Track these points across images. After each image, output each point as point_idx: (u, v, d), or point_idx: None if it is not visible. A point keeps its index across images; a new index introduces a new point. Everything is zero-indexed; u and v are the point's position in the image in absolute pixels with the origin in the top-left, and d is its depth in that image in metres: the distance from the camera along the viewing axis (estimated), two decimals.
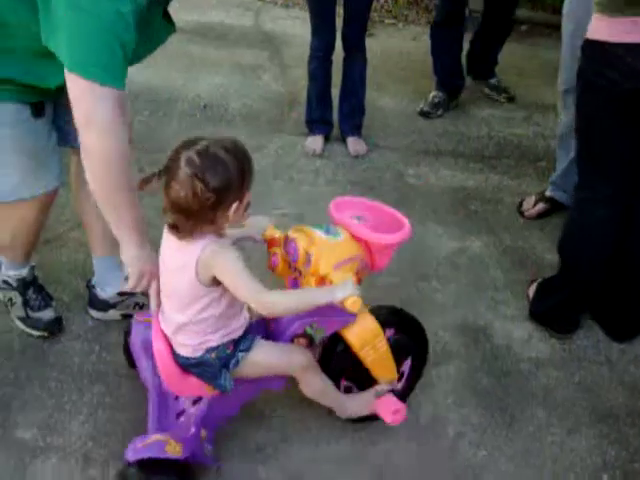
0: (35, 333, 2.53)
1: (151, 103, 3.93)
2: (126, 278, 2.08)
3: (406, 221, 2.09)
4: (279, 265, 2.08)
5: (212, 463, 2.11)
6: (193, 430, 2.06)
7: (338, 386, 2.20)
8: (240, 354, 2.00)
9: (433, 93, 4.19)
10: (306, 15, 3.74)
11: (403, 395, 2.33)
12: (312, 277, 2.00)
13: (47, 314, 2.55)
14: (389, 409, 2.17)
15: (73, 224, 2.91)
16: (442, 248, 3.11)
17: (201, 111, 3.91)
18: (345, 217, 2.11)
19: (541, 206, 3.33)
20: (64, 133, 2.29)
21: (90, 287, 2.63)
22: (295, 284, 2.07)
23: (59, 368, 2.40)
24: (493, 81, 4.42)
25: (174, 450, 1.98)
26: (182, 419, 2.11)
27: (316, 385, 2.13)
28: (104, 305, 2.60)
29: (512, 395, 2.45)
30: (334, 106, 3.74)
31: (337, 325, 2.07)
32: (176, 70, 4.29)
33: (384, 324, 2.15)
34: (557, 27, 3.15)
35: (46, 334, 2.53)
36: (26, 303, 2.55)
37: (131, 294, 2.56)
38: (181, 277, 1.86)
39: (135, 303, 2.61)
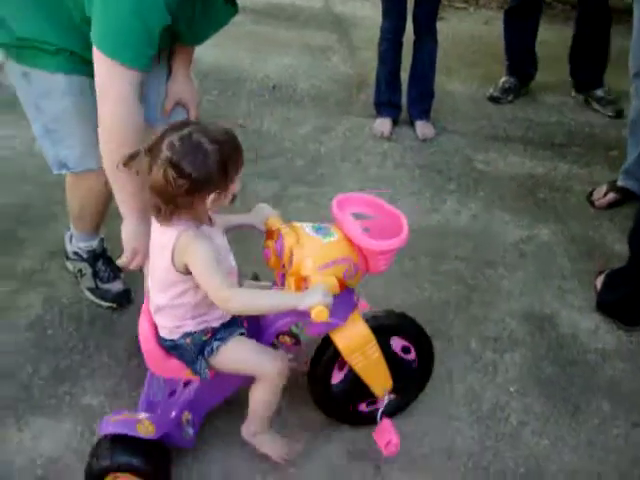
0: (104, 304, 2.59)
1: (220, 82, 3.96)
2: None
3: (405, 226, 1.96)
4: (271, 259, 2.02)
5: (191, 446, 2.11)
6: (174, 413, 2.07)
7: (349, 408, 2.19)
8: (216, 343, 1.97)
9: (504, 78, 4.12)
10: None
11: (422, 376, 2.28)
12: (292, 277, 1.93)
13: (116, 286, 2.61)
14: (384, 440, 2.09)
15: None
16: (509, 235, 3.07)
17: (270, 91, 3.93)
18: (345, 215, 2.01)
19: (612, 196, 3.26)
20: None
21: None
22: (283, 279, 2.01)
23: (127, 338, 2.45)
24: (599, 92, 4.07)
25: (146, 430, 1.97)
26: (174, 398, 2.12)
27: (269, 396, 2.03)
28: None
29: (577, 385, 2.42)
30: (403, 89, 3.72)
31: (320, 328, 2.00)
32: (245, 50, 4.31)
33: (379, 330, 2.08)
34: (631, 13, 3.08)
35: (115, 305, 2.59)
36: (96, 274, 2.61)
37: None
38: (161, 259, 1.85)
39: None
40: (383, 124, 3.66)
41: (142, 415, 2.03)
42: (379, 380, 2.12)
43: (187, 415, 2.10)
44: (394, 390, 2.16)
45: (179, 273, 1.84)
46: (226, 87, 3.93)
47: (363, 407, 2.22)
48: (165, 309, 1.94)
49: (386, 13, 3.53)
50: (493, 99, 4.09)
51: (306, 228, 1.98)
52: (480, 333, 2.59)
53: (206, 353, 1.97)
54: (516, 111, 4.02)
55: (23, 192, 3.08)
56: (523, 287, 2.80)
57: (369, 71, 4.00)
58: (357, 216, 2.04)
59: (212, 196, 1.76)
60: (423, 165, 3.47)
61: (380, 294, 2.69)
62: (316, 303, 1.77)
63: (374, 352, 2.05)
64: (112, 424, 1.98)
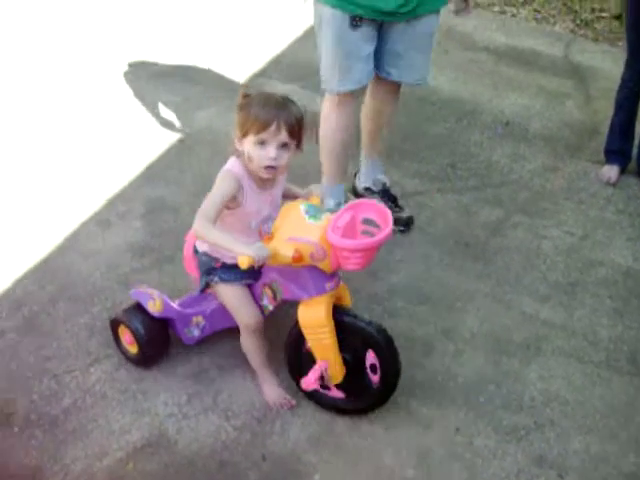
0: None
1: (457, 112, 4.21)
2: None
3: (370, 239, 2.19)
4: None
5: (189, 344, 2.62)
6: (188, 310, 2.57)
7: (300, 349, 2.43)
8: (216, 278, 2.43)
9: None
10: (615, 51, 3.82)
11: (383, 391, 2.42)
12: (267, 238, 2.23)
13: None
14: (312, 377, 2.35)
15: None
16: None
17: (503, 127, 4.13)
18: (344, 212, 2.24)
19: None
20: (383, 60, 2.91)
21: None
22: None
23: None
24: None
25: (153, 306, 2.52)
26: (198, 302, 2.61)
27: (246, 347, 2.51)
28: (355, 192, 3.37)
29: None
30: (635, 140, 3.79)
31: (290, 294, 2.35)
32: (483, 86, 4.53)
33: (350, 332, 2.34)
34: None
35: None
36: None
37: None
38: None
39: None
40: (611, 171, 3.74)
41: (159, 295, 2.52)
42: (328, 365, 2.35)
43: (200, 319, 2.57)
44: (344, 391, 2.43)
45: None
46: (462, 117, 4.17)
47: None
48: None
49: (629, 62, 3.61)
50: None
51: (301, 205, 2.29)
52: None
53: (209, 278, 2.42)
54: None
55: None
56: None
57: (602, 120, 4.10)
58: (369, 222, 2.29)
59: (239, 135, 2.24)
60: None
61: (587, 322, 2.87)
62: (244, 253, 2.07)
63: (325, 338, 2.30)
64: (136, 291, 2.61)
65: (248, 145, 2.23)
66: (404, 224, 3.27)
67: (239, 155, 2.30)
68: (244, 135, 2.23)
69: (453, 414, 2.51)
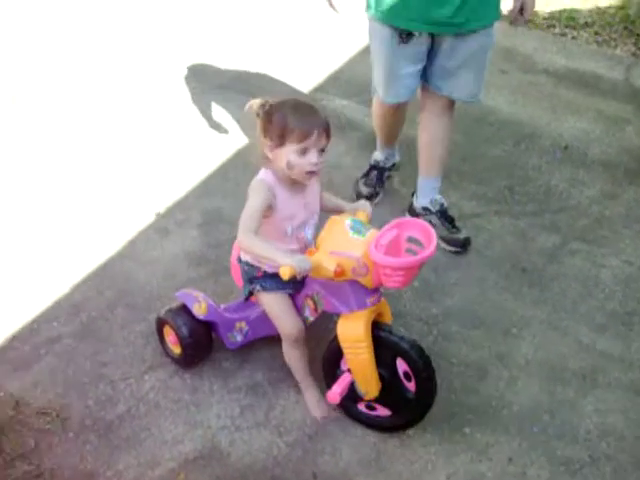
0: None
1: (515, 135, 4.18)
2: None
3: (412, 258, 2.16)
4: None
5: (229, 347, 2.66)
6: (234, 316, 2.63)
7: (338, 363, 2.44)
8: (259, 286, 2.46)
9: None
10: None
11: (419, 399, 2.38)
12: (311, 251, 2.26)
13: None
14: (337, 389, 2.36)
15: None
16: None
17: (561, 151, 4.09)
18: (389, 229, 2.22)
19: None
20: (433, 74, 2.97)
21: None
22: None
23: None
24: None
25: (198, 309, 2.57)
26: (242, 308, 2.65)
27: (288, 356, 2.53)
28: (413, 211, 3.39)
29: None
30: None
31: (331, 307, 2.37)
32: (542, 109, 4.49)
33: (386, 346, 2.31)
34: None
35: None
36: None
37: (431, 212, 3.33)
38: None
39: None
40: None
41: (204, 298, 2.57)
42: (363, 380, 2.35)
43: (243, 324, 2.60)
44: (388, 406, 2.43)
45: None
46: (521, 140, 4.14)
47: (362, 407, 2.48)
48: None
49: None
50: None
51: (347, 220, 2.29)
52: None
53: (251, 287, 2.44)
54: None
55: None
56: None
57: None
58: (414, 241, 2.26)
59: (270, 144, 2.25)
60: None
61: None
62: (286, 263, 2.09)
63: (363, 353, 2.29)
64: (183, 293, 2.67)
65: (288, 154, 2.23)
66: (461, 245, 3.26)
67: (268, 164, 2.32)
68: (281, 144, 2.24)
69: (506, 442, 2.49)
